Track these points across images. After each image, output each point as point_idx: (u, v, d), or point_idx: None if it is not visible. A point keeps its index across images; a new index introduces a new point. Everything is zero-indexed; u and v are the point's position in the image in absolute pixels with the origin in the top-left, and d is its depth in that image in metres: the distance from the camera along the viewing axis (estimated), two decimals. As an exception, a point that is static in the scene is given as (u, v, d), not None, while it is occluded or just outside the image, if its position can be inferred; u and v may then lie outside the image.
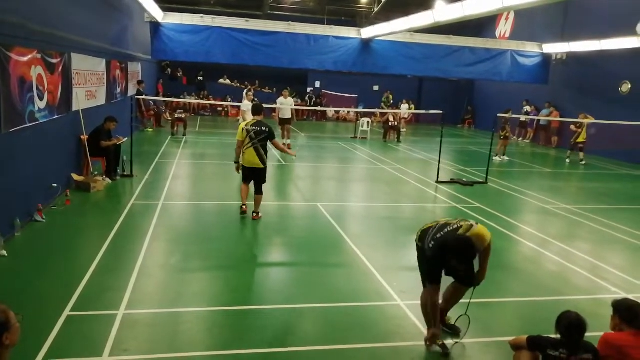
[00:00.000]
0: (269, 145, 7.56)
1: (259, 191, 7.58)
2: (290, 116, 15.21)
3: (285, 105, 15.01)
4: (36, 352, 3.77)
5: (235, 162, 7.75)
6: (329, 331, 4.49)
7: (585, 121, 15.04)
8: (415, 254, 4.49)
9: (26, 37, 6.52)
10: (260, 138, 7.34)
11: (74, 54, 8.67)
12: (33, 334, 3.93)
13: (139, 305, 4.68)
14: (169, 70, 25.85)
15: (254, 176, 7.54)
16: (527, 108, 20.63)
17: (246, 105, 13.44)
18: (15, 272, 5.31)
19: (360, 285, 5.50)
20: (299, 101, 26.48)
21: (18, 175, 6.50)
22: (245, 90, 22.46)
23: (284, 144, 15.37)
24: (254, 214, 7.55)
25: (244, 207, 7.70)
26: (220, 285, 5.33)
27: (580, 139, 15.28)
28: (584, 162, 15.25)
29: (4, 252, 5.63)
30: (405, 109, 22.03)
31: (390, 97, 25.52)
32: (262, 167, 7.45)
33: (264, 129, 7.35)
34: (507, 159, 15.33)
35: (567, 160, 15.63)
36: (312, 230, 7.59)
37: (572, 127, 15.68)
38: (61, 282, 5.08)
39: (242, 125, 7.50)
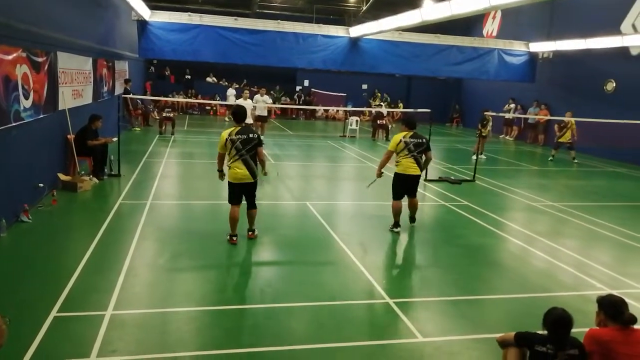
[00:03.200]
0: None
1: (252, 205, 6.59)
2: (266, 114, 15.94)
3: (261, 102, 15.57)
4: (22, 354, 3.74)
5: (219, 171, 6.63)
6: (317, 329, 4.50)
7: (571, 119, 15.14)
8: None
9: (10, 35, 6.44)
10: (249, 147, 6.22)
11: (60, 53, 8.58)
12: (19, 335, 3.89)
13: (127, 306, 4.66)
14: (153, 68, 25.64)
15: (244, 192, 6.47)
16: (513, 106, 20.79)
17: (241, 103, 13.34)
18: (0, 273, 5.25)
19: (349, 284, 5.52)
20: (288, 100, 26.46)
21: (3, 175, 6.43)
22: (231, 88, 22.31)
23: None
24: (249, 232, 6.65)
25: (234, 238, 6.50)
26: (209, 285, 5.32)
27: (563, 139, 15.38)
28: (576, 161, 15.31)
29: (-11, 253, 5.57)
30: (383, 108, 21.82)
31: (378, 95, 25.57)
32: (253, 180, 6.40)
33: (252, 136, 6.26)
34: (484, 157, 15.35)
35: (550, 159, 15.62)
36: (301, 228, 7.60)
37: (556, 126, 15.84)
38: (48, 283, 5.04)
39: (225, 134, 6.22)
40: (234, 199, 6.48)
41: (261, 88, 16.98)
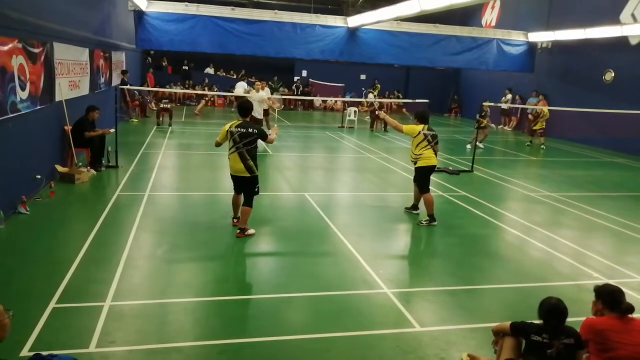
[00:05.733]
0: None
1: (246, 202, 6.52)
2: (261, 116, 12.70)
3: (255, 99, 12.56)
4: (22, 345, 3.76)
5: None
6: (316, 319, 4.52)
7: (544, 109, 15.90)
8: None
9: (6, 25, 6.39)
10: (246, 141, 6.29)
11: (56, 43, 8.52)
12: (19, 326, 3.87)
13: (126, 297, 4.67)
14: (150, 58, 25.49)
15: (241, 186, 6.58)
16: (509, 96, 20.75)
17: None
18: (-1, 264, 5.26)
19: (348, 274, 5.53)
20: (286, 90, 26.34)
21: (0, 166, 6.41)
22: (242, 82, 21.75)
23: None
24: (238, 231, 6.46)
25: (235, 220, 6.82)
26: (208, 276, 5.33)
27: (537, 127, 16.17)
28: (543, 147, 15.94)
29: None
30: (371, 98, 21.74)
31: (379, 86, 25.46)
32: (249, 175, 6.41)
33: (250, 130, 6.31)
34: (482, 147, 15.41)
35: (528, 144, 16.50)
36: (300, 219, 7.60)
37: (530, 115, 16.78)
38: (46, 274, 5.04)
39: (226, 126, 6.42)
40: (234, 189, 6.73)
41: (258, 80, 13.95)
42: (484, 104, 14.39)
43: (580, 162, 14.22)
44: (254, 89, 13.44)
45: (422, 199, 7.64)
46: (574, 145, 17.04)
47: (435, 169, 7.92)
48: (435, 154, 7.60)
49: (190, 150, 13.04)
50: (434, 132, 7.58)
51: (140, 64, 23.52)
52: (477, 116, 14.15)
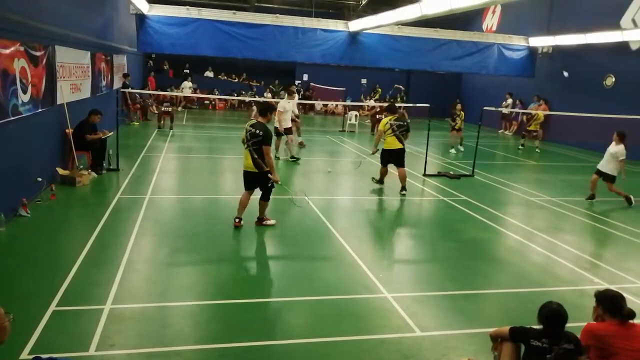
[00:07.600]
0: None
1: (262, 197, 6.94)
2: (290, 124, 12.57)
3: (289, 109, 12.35)
4: (21, 348, 3.75)
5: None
6: (316, 323, 4.51)
7: (539, 112, 16.31)
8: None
9: (8, 28, 6.41)
10: (253, 141, 6.62)
11: (57, 47, 8.54)
12: (18, 329, 3.87)
13: (126, 300, 4.67)
14: (151, 62, 25.51)
15: (250, 182, 6.88)
16: (510, 101, 20.76)
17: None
18: (-1, 267, 5.26)
19: (348, 278, 5.53)
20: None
21: (2, 169, 6.42)
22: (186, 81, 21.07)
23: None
24: (257, 219, 7.00)
25: (236, 220, 6.89)
26: (208, 279, 5.33)
27: (532, 127, 16.61)
28: (538, 151, 16.23)
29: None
30: (372, 103, 21.73)
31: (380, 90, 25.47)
32: (256, 171, 6.70)
33: (257, 131, 6.60)
34: (462, 149, 15.36)
35: (520, 148, 16.83)
36: (300, 223, 7.60)
37: (525, 117, 17.39)
38: (47, 277, 5.04)
39: (247, 124, 6.82)
40: (244, 185, 6.98)
41: (290, 87, 13.25)
42: (457, 106, 14.51)
43: (581, 167, 14.20)
44: (286, 96, 12.93)
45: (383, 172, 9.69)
46: (575, 150, 17.04)
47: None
48: (400, 141, 9.21)
49: (191, 154, 13.04)
50: (401, 123, 9.24)
51: (142, 67, 23.56)
52: (450, 120, 14.28)
